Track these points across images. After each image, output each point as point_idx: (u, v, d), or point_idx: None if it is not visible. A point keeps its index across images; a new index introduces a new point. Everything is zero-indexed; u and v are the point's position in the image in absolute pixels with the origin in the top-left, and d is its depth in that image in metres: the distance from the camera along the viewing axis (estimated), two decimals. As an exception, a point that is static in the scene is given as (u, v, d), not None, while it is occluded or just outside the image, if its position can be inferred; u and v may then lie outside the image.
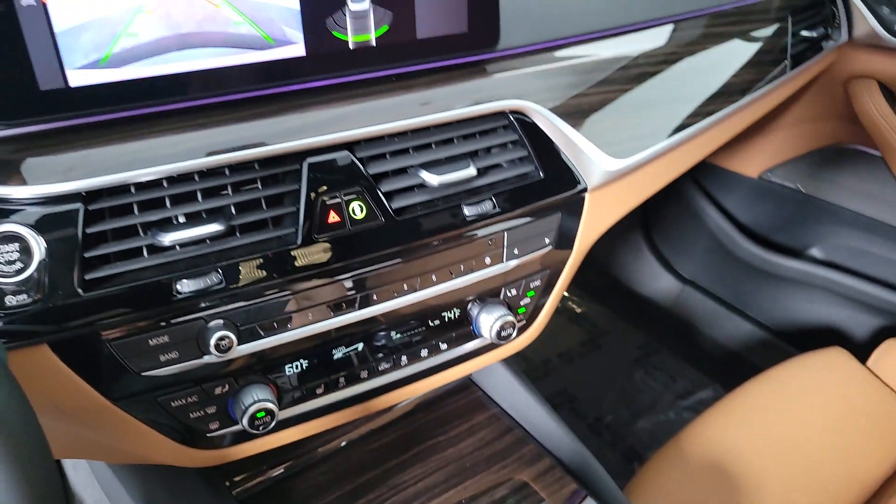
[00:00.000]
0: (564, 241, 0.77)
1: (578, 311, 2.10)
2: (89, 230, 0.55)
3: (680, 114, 0.89)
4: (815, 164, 1.60)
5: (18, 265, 0.53)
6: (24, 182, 0.54)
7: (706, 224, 1.79)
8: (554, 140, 0.75)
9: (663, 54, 0.89)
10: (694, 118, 0.90)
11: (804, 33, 1.14)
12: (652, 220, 2.01)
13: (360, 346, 0.68)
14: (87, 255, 0.55)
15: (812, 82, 1.36)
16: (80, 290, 0.54)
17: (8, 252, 0.52)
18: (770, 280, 1.70)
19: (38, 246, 0.53)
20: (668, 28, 0.92)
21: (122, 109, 0.59)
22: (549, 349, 2.03)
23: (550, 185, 0.74)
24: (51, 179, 0.54)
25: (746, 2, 1.03)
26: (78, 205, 0.55)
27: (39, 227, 0.54)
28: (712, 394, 1.84)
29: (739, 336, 1.81)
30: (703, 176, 1.81)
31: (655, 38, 0.90)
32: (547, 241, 0.75)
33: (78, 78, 0.57)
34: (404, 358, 0.71)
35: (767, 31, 1.06)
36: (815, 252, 1.62)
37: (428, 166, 0.68)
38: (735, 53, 1.00)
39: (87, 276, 0.55)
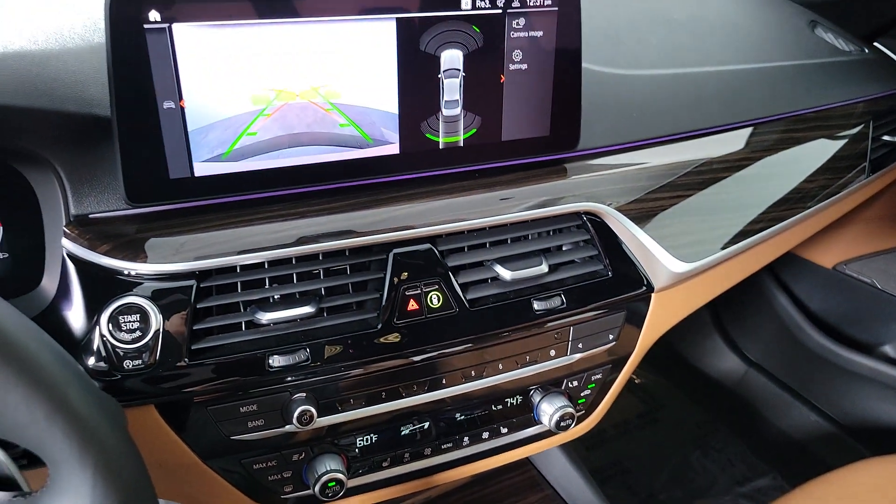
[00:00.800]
0: (628, 338, 0.80)
1: (637, 381, 2.09)
2: (199, 305, 0.62)
3: (751, 218, 0.91)
4: (892, 261, 1.57)
5: (138, 333, 0.60)
6: (146, 259, 0.62)
7: (776, 309, 1.77)
8: (624, 241, 0.78)
9: (738, 158, 0.92)
10: (765, 223, 0.92)
11: (886, 138, 1.14)
12: (720, 298, 1.99)
13: (427, 424, 0.72)
14: (195, 327, 0.62)
15: (894, 182, 1.35)
16: (186, 359, 0.61)
17: (130, 321, 0.60)
18: (840, 373, 1.66)
19: (156, 317, 0.60)
20: (746, 132, 0.95)
21: (238, 195, 0.66)
22: (605, 419, 2.02)
23: (618, 284, 0.77)
24: (171, 259, 0.62)
25: (826, 106, 1.05)
26: (192, 282, 0.62)
27: (158, 299, 0.61)
28: (771, 483, 1.79)
29: (804, 426, 1.76)
30: (775, 261, 1.80)
31: (732, 143, 0.93)
32: (611, 336, 0.79)
33: (202, 169, 0.65)
34: (466, 438, 0.75)
35: (846, 136, 1.07)
36: (888, 349, 1.57)
37: (503, 261, 0.72)
38: (811, 158, 1.02)
39: (193, 347, 0.61)
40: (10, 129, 0.58)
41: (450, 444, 0.75)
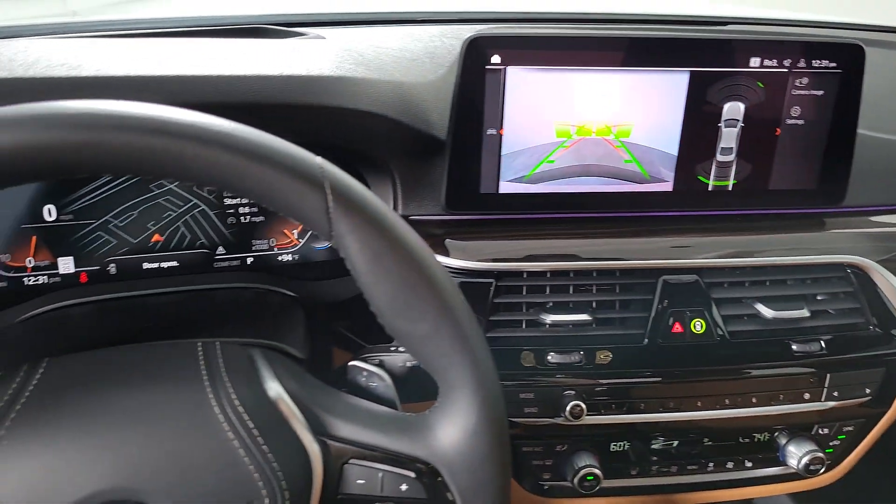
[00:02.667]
0: (885, 395, 0.80)
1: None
2: (495, 300, 0.73)
3: None
4: None
5: None
6: (454, 257, 0.74)
7: None
8: (889, 298, 0.79)
9: None
10: None
11: None
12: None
13: (676, 443, 0.77)
14: (490, 318, 0.72)
15: None
16: None
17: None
18: None
19: None
20: None
21: (532, 213, 0.77)
22: (849, 490, 1.87)
23: (880, 340, 0.78)
24: (474, 258, 0.73)
25: None
26: (492, 280, 0.73)
27: (464, 291, 0.72)
28: None
29: None
30: None
31: None
32: (867, 391, 0.78)
33: (506, 187, 0.77)
34: (711, 464, 0.78)
35: None
36: None
37: (763, 300, 0.76)
38: None
39: (487, 335, 0.72)
40: (375, 138, 0.73)
41: (695, 467, 0.78)
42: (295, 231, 0.80)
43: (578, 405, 0.71)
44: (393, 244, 0.45)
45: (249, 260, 0.80)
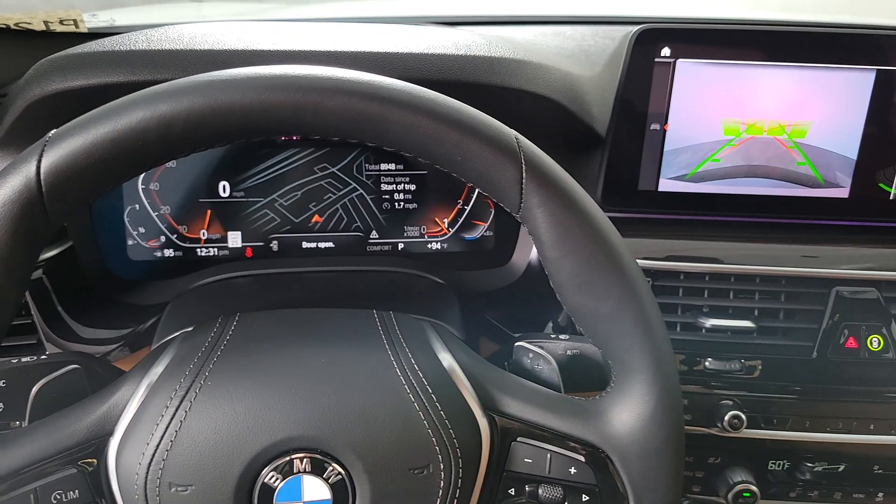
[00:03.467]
0: None
1: None
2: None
3: None
4: None
5: None
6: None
7: None
8: None
9: None
10: None
11: None
12: None
13: (842, 467, 0.71)
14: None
15: None
16: None
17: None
18: None
19: None
20: None
21: (693, 214, 0.74)
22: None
23: None
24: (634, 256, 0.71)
25: None
26: (648, 279, 0.71)
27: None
28: None
29: None
30: None
31: None
32: None
33: (666, 185, 0.74)
34: (881, 495, 0.72)
35: None
36: None
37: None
38: None
39: None
40: (540, 128, 0.72)
41: (861, 496, 0.72)
42: (445, 220, 0.81)
43: (738, 416, 0.67)
44: (582, 220, 0.45)
45: (401, 245, 0.81)
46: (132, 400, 0.46)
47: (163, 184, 0.76)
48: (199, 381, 0.45)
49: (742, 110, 0.71)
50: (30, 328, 0.68)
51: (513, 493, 0.48)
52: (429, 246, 0.82)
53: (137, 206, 0.76)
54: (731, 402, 0.68)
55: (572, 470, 0.48)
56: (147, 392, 0.46)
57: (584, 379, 0.57)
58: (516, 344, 0.57)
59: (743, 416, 0.67)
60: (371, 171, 0.79)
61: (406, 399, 0.45)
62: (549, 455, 0.48)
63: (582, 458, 0.48)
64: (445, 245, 0.82)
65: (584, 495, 0.48)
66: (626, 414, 0.47)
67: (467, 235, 0.82)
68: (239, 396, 0.44)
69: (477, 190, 0.81)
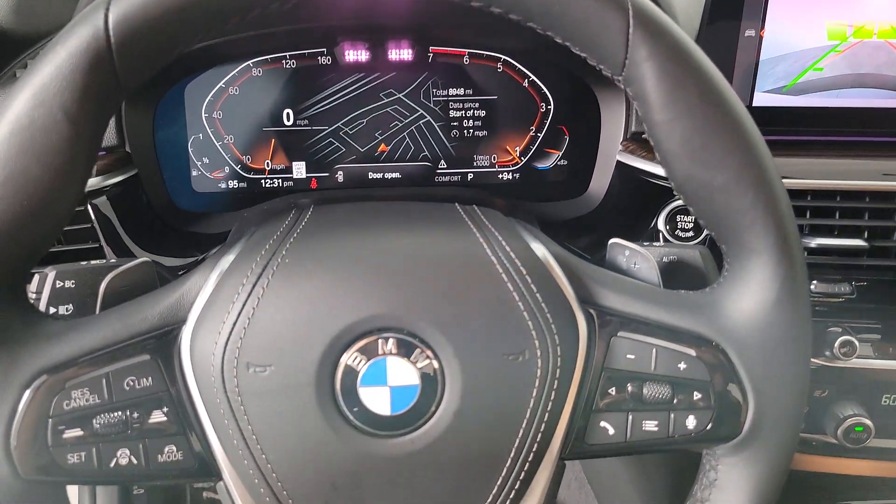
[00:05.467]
0: None
1: None
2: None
3: None
4: None
5: (691, 233, 0.65)
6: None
7: None
8: None
9: None
10: None
11: None
12: None
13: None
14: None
15: None
16: None
17: (686, 221, 0.65)
18: None
19: None
20: None
21: (792, 133, 0.68)
22: None
23: None
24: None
25: None
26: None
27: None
28: None
29: None
30: None
31: None
32: None
33: (761, 99, 0.68)
34: None
35: None
36: None
37: None
38: None
39: None
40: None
41: None
42: (517, 148, 0.77)
43: (849, 342, 0.60)
44: (697, 76, 0.40)
45: (470, 176, 0.77)
46: (205, 286, 0.43)
47: (226, 112, 0.74)
48: (276, 259, 0.42)
49: (848, 11, 0.65)
50: (96, 254, 0.66)
51: (613, 393, 0.43)
52: (499, 176, 0.78)
53: (201, 135, 0.74)
54: (839, 329, 0.62)
55: (682, 365, 0.43)
56: (220, 278, 0.43)
57: (684, 286, 0.52)
58: (611, 241, 0.52)
59: (855, 342, 0.60)
60: (439, 96, 0.75)
61: (499, 279, 0.41)
62: (654, 350, 0.43)
63: (693, 353, 0.43)
64: (517, 175, 0.78)
65: (695, 393, 0.43)
66: (746, 301, 0.42)
67: (540, 165, 0.78)
68: (319, 274, 0.41)
69: (550, 116, 0.77)
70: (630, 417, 0.43)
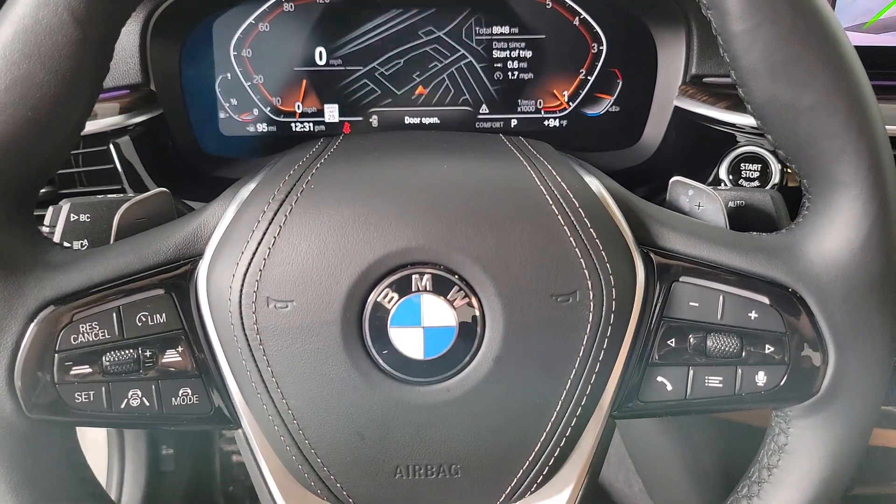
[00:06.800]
0: None
1: None
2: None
3: None
4: None
5: (757, 182, 0.59)
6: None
7: None
8: None
9: None
10: None
11: None
12: None
13: None
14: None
15: None
16: None
17: (751, 169, 0.59)
18: None
19: (774, 165, 0.59)
20: None
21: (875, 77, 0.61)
22: None
23: None
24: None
25: None
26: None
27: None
28: None
29: None
30: None
31: None
32: None
33: (838, 36, 0.62)
34: None
35: None
36: None
37: None
38: None
39: None
40: None
41: None
42: (565, 93, 0.72)
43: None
44: None
45: (513, 122, 0.72)
46: (224, 216, 0.39)
47: (255, 50, 0.70)
48: (301, 186, 0.38)
49: (945, -66, 0.58)
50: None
51: (673, 344, 0.39)
52: (545, 123, 0.73)
53: (229, 75, 0.71)
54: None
55: (752, 314, 0.38)
56: (239, 207, 0.39)
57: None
58: (672, 179, 0.47)
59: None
60: (482, 35, 0.70)
61: (549, 212, 0.37)
62: (721, 297, 0.38)
63: (766, 300, 0.38)
64: (565, 122, 0.72)
65: (767, 346, 0.38)
66: (829, 242, 0.37)
67: (590, 111, 0.72)
68: (347, 201, 0.37)
69: (602, 58, 0.71)
70: (691, 372, 0.39)
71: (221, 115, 0.72)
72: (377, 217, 0.36)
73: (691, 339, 0.38)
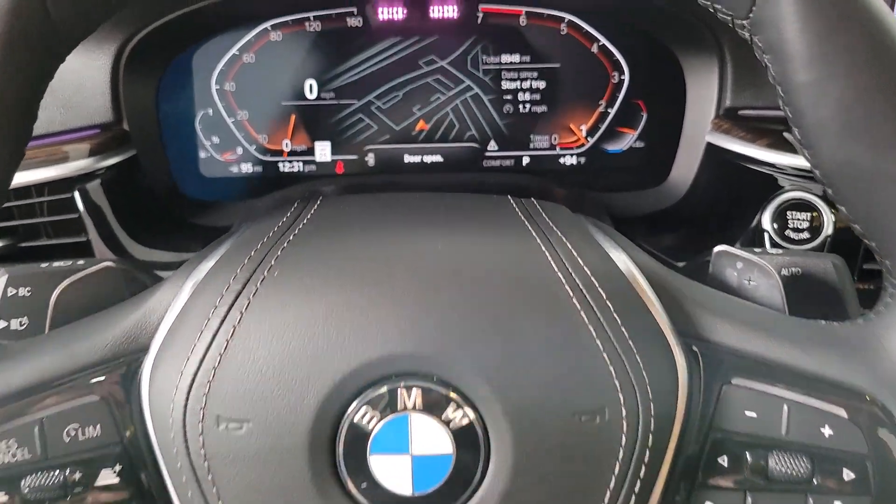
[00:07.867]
0: None
1: None
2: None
3: None
4: None
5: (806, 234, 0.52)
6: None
7: None
8: None
9: None
10: None
11: None
12: None
13: None
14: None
15: None
16: None
17: (800, 218, 0.52)
18: None
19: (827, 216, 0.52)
20: None
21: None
22: None
23: None
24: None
25: None
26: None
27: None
28: None
29: None
30: None
31: None
32: None
33: None
34: None
35: None
36: None
37: None
38: None
39: None
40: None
41: None
42: (583, 127, 0.65)
43: None
44: (863, 16, 0.27)
45: (525, 160, 0.65)
46: (174, 303, 0.32)
47: (239, 84, 0.64)
48: (263, 271, 0.31)
49: None
50: (84, 248, 0.57)
51: (725, 464, 0.31)
52: (561, 160, 0.65)
53: (211, 110, 0.64)
54: None
55: (826, 430, 0.30)
56: (192, 291, 0.32)
57: (812, 309, 0.38)
58: (717, 249, 0.39)
59: None
60: (490, 64, 0.63)
61: (568, 303, 0.29)
62: (785, 406, 0.31)
63: (842, 413, 0.30)
64: (583, 160, 0.65)
65: (845, 470, 0.30)
66: None
67: (611, 147, 0.65)
68: (318, 294, 0.30)
69: (624, 88, 0.64)
70: (749, 499, 0.31)
71: (202, 154, 0.65)
72: (354, 314, 0.29)
73: (748, 458, 0.31)
